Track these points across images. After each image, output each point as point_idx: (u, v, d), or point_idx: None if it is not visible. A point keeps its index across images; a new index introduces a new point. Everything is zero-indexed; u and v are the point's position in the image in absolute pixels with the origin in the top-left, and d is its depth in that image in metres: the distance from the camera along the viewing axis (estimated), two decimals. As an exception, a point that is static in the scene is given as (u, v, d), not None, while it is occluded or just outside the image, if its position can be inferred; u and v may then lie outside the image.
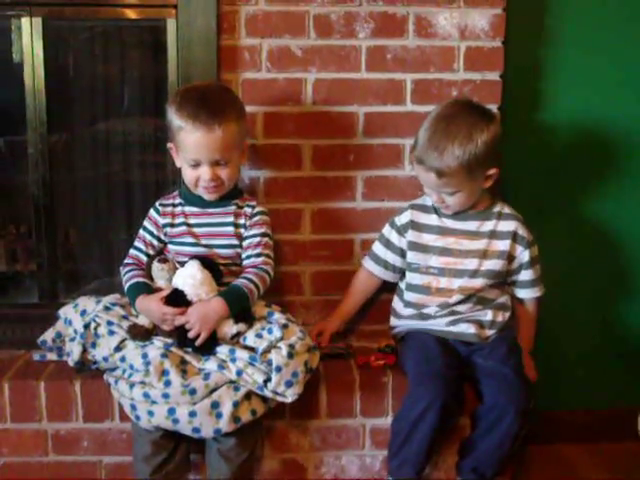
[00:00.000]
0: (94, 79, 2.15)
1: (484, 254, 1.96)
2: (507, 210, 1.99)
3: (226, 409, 1.72)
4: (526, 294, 2.04)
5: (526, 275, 2.01)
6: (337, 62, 2.04)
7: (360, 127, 2.08)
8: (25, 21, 2.01)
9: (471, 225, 1.98)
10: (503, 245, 1.97)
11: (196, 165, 1.85)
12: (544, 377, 2.03)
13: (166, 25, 2.02)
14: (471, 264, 1.96)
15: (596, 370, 2.35)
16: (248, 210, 1.93)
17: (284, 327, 1.83)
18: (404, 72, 2.05)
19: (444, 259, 1.98)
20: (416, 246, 2.00)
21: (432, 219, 2.00)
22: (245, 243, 1.92)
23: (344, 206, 2.12)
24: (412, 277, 2.02)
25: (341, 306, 2.10)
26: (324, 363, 1.95)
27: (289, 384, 1.76)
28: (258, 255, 1.90)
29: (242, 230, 1.92)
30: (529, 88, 2.20)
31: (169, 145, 1.92)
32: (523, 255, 1.98)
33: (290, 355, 1.76)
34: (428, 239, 2.00)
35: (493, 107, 2.06)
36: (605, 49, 2.20)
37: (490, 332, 1.97)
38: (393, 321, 2.07)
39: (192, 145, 1.82)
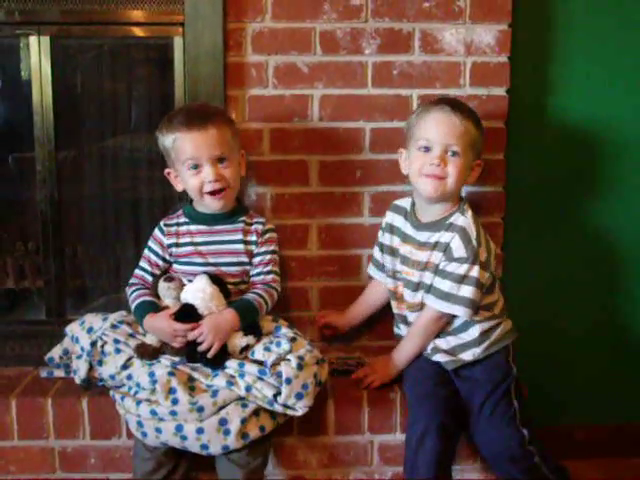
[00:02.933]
0: (102, 96, 2.17)
1: (424, 267, 1.91)
2: (460, 221, 1.88)
3: (234, 426, 1.72)
4: (425, 299, 1.90)
5: (436, 282, 1.87)
6: (343, 78, 2.05)
7: (367, 143, 2.08)
8: (33, 40, 2.03)
9: (423, 235, 1.92)
10: (438, 258, 1.89)
11: (197, 168, 1.85)
12: (552, 392, 2.01)
13: (173, 42, 2.04)
14: (420, 277, 1.92)
15: (605, 384, 2.33)
16: (259, 227, 1.93)
17: (292, 340, 1.83)
18: (410, 88, 2.06)
19: (403, 267, 1.96)
20: (388, 248, 2.01)
21: (400, 222, 1.98)
22: (256, 260, 1.92)
23: (351, 222, 2.12)
24: (387, 280, 2.02)
25: (350, 308, 2.10)
26: (332, 379, 1.95)
27: (299, 396, 1.75)
28: (268, 272, 1.91)
29: (252, 247, 1.93)
30: (535, 102, 2.20)
31: (166, 171, 1.93)
32: (442, 264, 1.87)
33: (300, 367, 1.76)
34: (396, 242, 1.99)
35: (500, 122, 2.07)
36: (611, 61, 2.20)
37: (465, 355, 1.90)
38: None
39: (190, 146, 1.84)
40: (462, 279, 1.85)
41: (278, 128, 2.06)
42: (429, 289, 1.89)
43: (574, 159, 2.23)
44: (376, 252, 2.06)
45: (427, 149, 1.86)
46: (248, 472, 1.77)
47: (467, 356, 1.90)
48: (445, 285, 1.86)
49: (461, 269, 1.85)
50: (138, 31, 2.06)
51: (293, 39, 2.02)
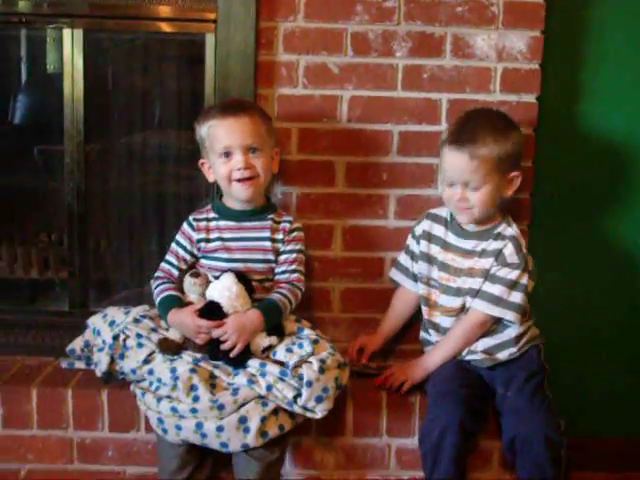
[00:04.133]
0: (132, 91, 2.19)
1: (469, 272, 1.94)
2: (508, 232, 1.93)
3: (254, 424, 1.72)
4: (473, 303, 1.93)
5: (486, 287, 1.91)
6: (373, 80, 2.05)
7: (394, 146, 2.08)
8: (67, 32, 2.04)
9: (469, 244, 1.95)
10: (487, 263, 1.92)
11: (229, 156, 1.86)
12: (574, 403, 2.00)
13: (205, 40, 2.04)
14: (461, 283, 1.95)
15: (626, 396, 2.31)
16: (287, 226, 1.94)
17: (315, 342, 1.82)
18: (440, 92, 2.05)
19: (442, 274, 1.98)
20: (424, 256, 2.01)
21: (440, 231, 2.00)
22: (281, 258, 1.92)
23: (376, 224, 2.11)
24: (419, 286, 2.03)
25: (382, 325, 2.09)
26: (352, 381, 1.93)
27: (319, 399, 1.75)
28: (293, 271, 1.91)
29: (279, 245, 1.93)
30: (565, 110, 2.19)
31: (201, 162, 1.94)
32: (494, 269, 1.91)
33: (321, 370, 1.76)
34: (434, 250, 2.00)
35: (529, 129, 2.06)
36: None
37: (501, 355, 1.94)
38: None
39: (223, 133, 1.85)
40: (513, 285, 1.89)
41: (306, 128, 2.06)
42: (476, 294, 1.92)
43: (603, 167, 2.22)
44: (404, 259, 2.06)
45: (451, 184, 1.91)
46: (265, 466, 1.76)
47: (503, 355, 1.94)
48: (496, 289, 1.90)
49: (513, 275, 1.89)
50: (170, 27, 2.07)
51: (324, 39, 2.02)
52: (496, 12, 2.02)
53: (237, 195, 1.90)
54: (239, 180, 1.87)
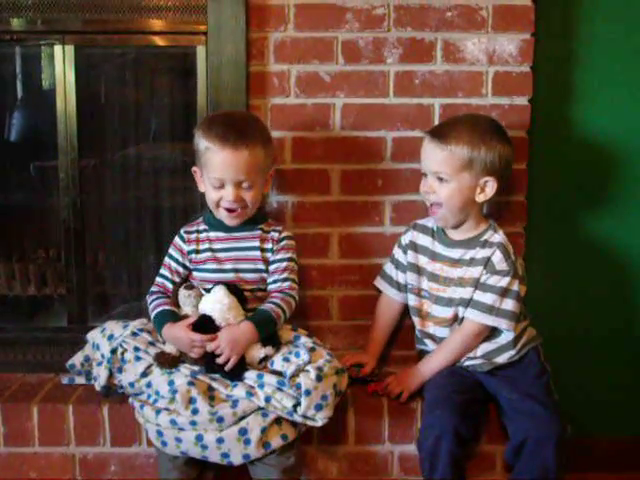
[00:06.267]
0: (125, 105, 2.18)
1: (459, 282, 1.94)
2: (495, 238, 1.93)
3: (254, 435, 1.72)
4: (467, 313, 1.92)
5: (477, 296, 1.91)
6: (365, 87, 2.05)
7: (388, 152, 2.08)
8: (58, 49, 2.05)
9: (456, 253, 1.96)
10: (477, 272, 1.92)
11: (220, 186, 1.85)
12: (573, 403, 2.00)
13: (196, 52, 2.05)
14: (451, 293, 1.95)
15: (623, 395, 2.31)
16: (275, 235, 1.93)
17: (311, 350, 1.82)
18: (432, 97, 2.06)
19: (431, 284, 1.98)
20: (412, 267, 2.01)
21: (427, 241, 2.01)
22: (272, 268, 1.92)
23: (372, 231, 2.11)
24: (409, 298, 2.03)
25: (372, 338, 2.08)
26: (352, 388, 1.94)
27: (319, 407, 1.75)
28: (285, 280, 1.91)
29: (269, 255, 1.93)
30: (557, 112, 2.19)
31: (194, 169, 1.94)
32: (484, 277, 1.91)
33: (319, 378, 1.75)
34: (422, 261, 2.01)
35: (522, 132, 2.07)
36: (634, 71, 2.19)
37: (501, 359, 1.94)
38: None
39: (218, 164, 1.83)
40: (504, 292, 1.89)
41: (300, 137, 2.06)
42: (468, 303, 1.92)
43: (596, 169, 2.23)
44: (390, 269, 2.07)
45: (425, 175, 1.94)
46: (282, 471, 1.75)
47: (502, 359, 1.94)
48: (487, 298, 1.89)
49: (503, 282, 1.89)
50: (161, 40, 2.07)
51: (315, 48, 2.03)
52: (485, 16, 2.02)
53: (223, 220, 1.91)
54: (227, 209, 1.87)
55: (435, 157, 1.89)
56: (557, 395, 1.91)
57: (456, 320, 1.95)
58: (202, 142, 1.86)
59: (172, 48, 2.10)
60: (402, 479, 1.94)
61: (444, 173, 1.88)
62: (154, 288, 1.94)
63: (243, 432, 1.72)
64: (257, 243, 1.92)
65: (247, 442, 1.72)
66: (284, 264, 1.92)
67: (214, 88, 2.03)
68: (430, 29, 2.03)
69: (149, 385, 1.80)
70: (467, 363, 1.95)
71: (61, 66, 2.05)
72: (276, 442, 1.74)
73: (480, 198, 1.92)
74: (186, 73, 2.11)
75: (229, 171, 1.83)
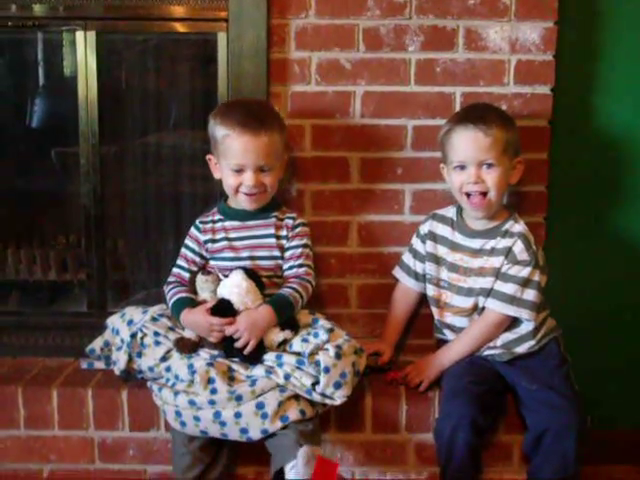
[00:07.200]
0: (146, 92, 2.19)
1: (480, 272, 1.93)
2: (516, 228, 1.92)
3: (271, 409, 1.72)
4: (487, 303, 1.92)
5: (498, 286, 1.90)
6: (386, 75, 2.04)
7: (409, 140, 2.07)
8: (79, 35, 2.05)
9: (477, 243, 1.95)
10: (497, 262, 1.91)
11: (240, 171, 1.86)
12: (595, 394, 1.99)
13: (217, 38, 2.05)
14: (472, 283, 1.94)
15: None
16: (289, 222, 1.94)
17: (330, 331, 1.83)
18: (454, 85, 2.05)
19: (451, 274, 1.97)
20: (431, 257, 2.01)
21: (447, 232, 2.00)
22: (287, 254, 1.93)
23: (391, 219, 2.11)
24: (427, 288, 2.02)
25: (387, 328, 2.08)
26: (370, 377, 1.94)
27: (338, 385, 1.75)
28: (300, 266, 1.92)
29: (284, 241, 1.94)
30: (580, 102, 2.17)
31: (208, 157, 1.94)
32: (505, 267, 1.90)
33: (338, 356, 1.76)
34: (442, 251, 2.00)
35: (544, 121, 2.05)
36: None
37: (521, 349, 1.93)
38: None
39: (239, 150, 1.84)
40: (526, 282, 1.88)
41: (320, 124, 2.06)
42: (489, 293, 1.91)
43: (617, 159, 2.20)
44: (408, 258, 2.06)
45: (463, 167, 1.90)
46: (301, 433, 1.72)
47: (522, 349, 1.93)
48: (508, 288, 1.89)
49: (524, 272, 1.88)
50: (182, 27, 2.08)
51: (336, 35, 2.02)
52: (508, 4, 2.00)
53: (243, 205, 1.92)
54: (246, 194, 1.88)
55: (480, 144, 1.86)
56: (577, 386, 1.90)
57: (476, 310, 1.94)
58: (220, 129, 1.86)
59: (193, 35, 2.10)
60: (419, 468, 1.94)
61: (492, 159, 1.87)
62: (171, 278, 1.95)
63: (260, 406, 1.72)
64: (272, 230, 1.93)
65: (264, 416, 1.72)
66: (299, 250, 1.93)
67: (235, 75, 2.03)
68: (452, 17, 2.02)
69: (168, 369, 1.81)
70: (487, 353, 1.94)
71: (83, 52, 2.06)
72: (294, 414, 1.73)
73: (515, 180, 1.93)
74: (207, 60, 2.11)
75: (249, 156, 1.84)
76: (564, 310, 2.06)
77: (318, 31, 2.02)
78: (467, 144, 1.88)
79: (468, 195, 1.91)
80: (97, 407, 1.92)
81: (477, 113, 1.90)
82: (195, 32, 2.09)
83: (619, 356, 2.28)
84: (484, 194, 1.89)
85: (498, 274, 1.90)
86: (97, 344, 1.98)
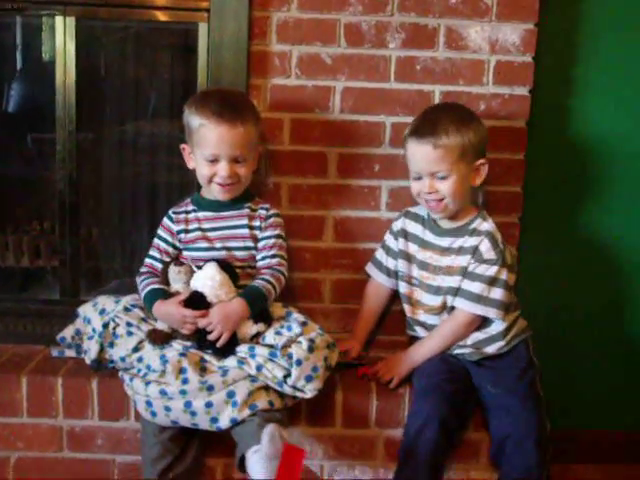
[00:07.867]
0: (124, 80, 2.18)
1: (448, 271, 1.93)
2: (483, 227, 1.92)
3: (240, 397, 1.72)
4: (456, 302, 1.92)
5: (465, 285, 1.90)
6: (366, 71, 2.04)
7: (387, 137, 2.07)
8: (59, 20, 2.03)
9: (445, 241, 1.95)
10: (465, 261, 1.91)
11: (214, 161, 1.86)
12: (563, 395, 2.01)
13: (198, 29, 2.04)
14: (440, 281, 1.94)
15: (617, 390, 2.33)
16: (263, 212, 1.94)
17: (303, 325, 1.83)
18: (433, 84, 2.05)
19: (422, 272, 1.98)
20: (403, 254, 2.01)
21: (418, 229, 2.00)
22: (260, 245, 1.93)
23: (367, 215, 2.11)
24: (400, 285, 2.03)
25: (357, 330, 2.08)
26: (340, 372, 1.95)
27: (309, 379, 1.76)
28: (273, 256, 1.92)
29: (257, 232, 1.93)
30: (557, 103, 2.19)
31: (182, 146, 1.94)
32: (472, 266, 1.90)
33: (310, 349, 1.77)
34: (412, 249, 2.00)
35: (521, 122, 2.06)
36: (635, 65, 2.19)
37: (490, 349, 1.93)
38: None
39: (214, 140, 1.84)
40: (492, 281, 1.88)
41: (299, 118, 2.06)
42: (456, 292, 1.91)
43: (593, 161, 2.22)
44: (381, 254, 2.07)
45: (419, 177, 1.91)
46: (267, 420, 1.68)
47: (492, 349, 1.93)
48: (475, 287, 1.89)
49: (491, 271, 1.88)
50: (163, 15, 2.06)
51: (318, 30, 2.02)
52: (490, 4, 2.01)
53: (216, 195, 1.92)
54: (220, 184, 1.88)
55: (430, 158, 1.86)
56: (542, 391, 1.91)
57: (445, 308, 1.95)
58: (195, 119, 1.86)
59: (174, 24, 2.09)
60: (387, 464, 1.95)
61: (444, 170, 1.86)
62: (143, 269, 1.94)
63: (231, 394, 1.72)
64: (245, 221, 1.93)
65: (234, 405, 1.72)
66: (272, 241, 1.93)
67: (214, 66, 2.02)
68: (433, 15, 2.02)
69: (140, 360, 1.81)
70: (457, 351, 1.95)
71: (62, 38, 2.04)
72: (262, 404, 1.73)
73: (477, 181, 1.92)
74: (187, 50, 2.10)
75: (224, 147, 1.84)
76: (537, 310, 2.08)
77: (299, 25, 2.01)
78: (417, 157, 1.90)
79: (426, 199, 1.91)
80: (67, 395, 1.91)
81: (428, 123, 1.88)
82: (176, 21, 2.08)
83: (594, 360, 2.30)
84: (441, 199, 1.89)
85: (465, 273, 1.91)
86: (68, 332, 1.96)
